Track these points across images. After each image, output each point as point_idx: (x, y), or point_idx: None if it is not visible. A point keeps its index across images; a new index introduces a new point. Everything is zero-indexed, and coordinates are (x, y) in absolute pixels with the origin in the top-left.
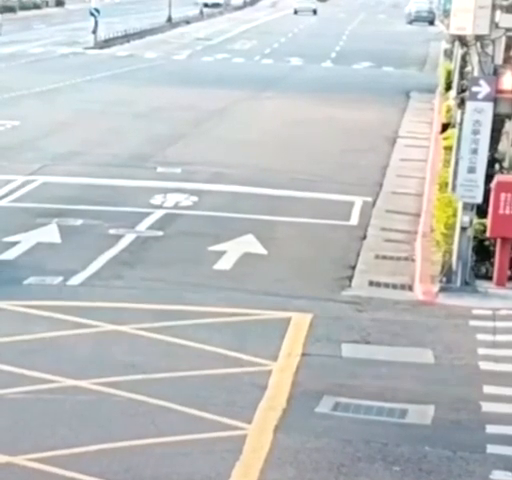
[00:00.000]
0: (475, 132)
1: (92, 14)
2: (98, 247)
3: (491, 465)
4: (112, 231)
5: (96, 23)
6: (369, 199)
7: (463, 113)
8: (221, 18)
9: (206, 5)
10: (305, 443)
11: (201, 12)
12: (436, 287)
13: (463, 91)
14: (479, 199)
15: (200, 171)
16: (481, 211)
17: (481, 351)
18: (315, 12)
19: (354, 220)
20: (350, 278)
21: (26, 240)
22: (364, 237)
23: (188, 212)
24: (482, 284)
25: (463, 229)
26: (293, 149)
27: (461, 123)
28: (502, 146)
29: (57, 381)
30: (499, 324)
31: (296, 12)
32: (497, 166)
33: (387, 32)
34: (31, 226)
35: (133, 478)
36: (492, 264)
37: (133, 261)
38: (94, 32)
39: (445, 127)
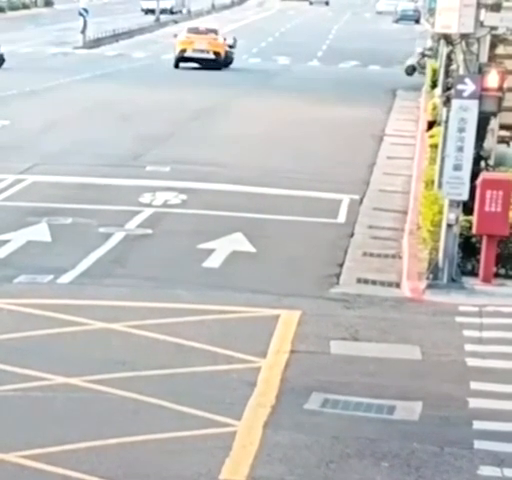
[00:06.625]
0: (461, 130)
1: (81, 14)
2: (88, 245)
3: (478, 461)
4: (102, 229)
5: (85, 23)
6: (356, 197)
7: (449, 111)
8: (209, 17)
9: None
10: (294, 440)
11: (189, 12)
12: (423, 284)
13: (448, 89)
14: (465, 196)
15: (189, 170)
16: (467, 208)
17: (468, 347)
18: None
19: (342, 218)
20: (338, 275)
21: (16, 238)
22: (352, 235)
23: (177, 210)
24: (468, 281)
25: (449, 226)
26: (281, 148)
27: (447, 121)
28: (487, 143)
29: (48, 379)
30: (486, 320)
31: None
32: (483, 163)
33: (373, 31)
34: (21, 225)
35: (123, 475)
36: (478, 261)
37: (123, 259)
38: (83, 32)
39: (431, 125)
